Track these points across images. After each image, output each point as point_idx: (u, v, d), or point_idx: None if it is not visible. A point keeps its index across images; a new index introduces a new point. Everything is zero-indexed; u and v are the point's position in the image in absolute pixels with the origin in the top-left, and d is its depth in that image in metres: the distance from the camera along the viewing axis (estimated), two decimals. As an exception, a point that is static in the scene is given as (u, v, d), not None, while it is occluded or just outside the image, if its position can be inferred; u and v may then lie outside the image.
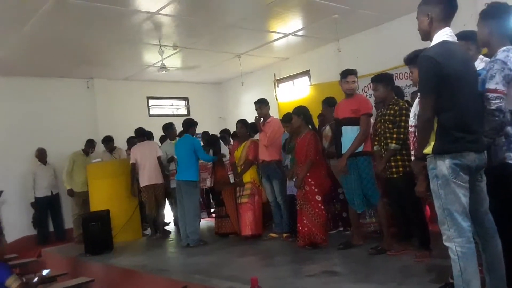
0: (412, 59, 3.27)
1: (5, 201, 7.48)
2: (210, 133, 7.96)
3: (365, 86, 7.15)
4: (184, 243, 5.91)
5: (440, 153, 2.41)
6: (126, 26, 6.30)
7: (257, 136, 6.29)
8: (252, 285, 2.96)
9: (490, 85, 2.52)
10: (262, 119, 5.87)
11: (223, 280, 3.97)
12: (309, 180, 4.80)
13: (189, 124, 6.22)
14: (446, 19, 2.52)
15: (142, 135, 7.19)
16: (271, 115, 5.99)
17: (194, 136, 6.25)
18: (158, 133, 7.74)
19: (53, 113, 8.44)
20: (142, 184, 6.90)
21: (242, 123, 6.12)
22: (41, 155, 7.88)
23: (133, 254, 5.93)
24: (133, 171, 6.93)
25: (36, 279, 4.13)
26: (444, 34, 2.49)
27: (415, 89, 3.54)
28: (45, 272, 4.25)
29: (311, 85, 8.47)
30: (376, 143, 4.24)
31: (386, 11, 6.71)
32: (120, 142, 8.29)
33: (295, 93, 8.41)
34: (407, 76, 6.30)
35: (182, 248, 5.86)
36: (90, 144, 7.85)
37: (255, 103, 5.93)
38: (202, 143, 7.22)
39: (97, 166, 7.28)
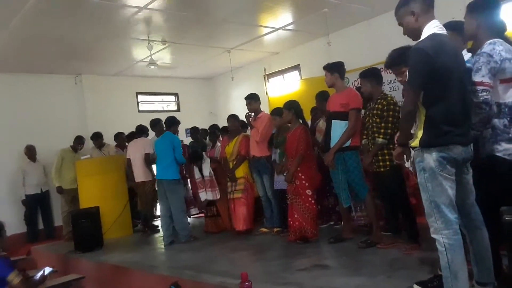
0: (393, 61, 3.25)
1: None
2: (199, 128, 7.93)
3: (355, 80, 7.15)
4: (166, 241, 5.85)
5: (427, 146, 2.43)
6: (114, 21, 6.23)
7: (248, 132, 6.29)
8: (243, 280, 2.97)
9: (477, 78, 2.53)
10: (253, 114, 5.86)
11: (213, 275, 3.97)
12: (300, 174, 4.81)
13: (171, 122, 6.15)
14: (429, 10, 2.52)
15: (141, 132, 7.19)
16: (262, 110, 5.97)
17: (176, 135, 6.18)
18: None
19: (42, 110, 8.35)
20: (135, 181, 6.96)
21: (233, 117, 6.10)
22: (30, 152, 7.79)
23: (124, 250, 5.90)
24: (128, 167, 7.00)
25: (38, 276, 4.12)
26: (434, 27, 2.49)
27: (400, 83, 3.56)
28: (47, 270, 4.24)
29: (302, 80, 8.46)
30: (364, 137, 4.25)
31: (376, 5, 6.70)
32: (109, 139, 8.23)
33: (285, 88, 8.39)
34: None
35: (173, 244, 5.84)
36: (79, 141, 7.78)
37: (245, 98, 5.91)
38: (191, 139, 7.23)
39: (86, 163, 7.22)
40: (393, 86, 6.64)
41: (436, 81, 2.40)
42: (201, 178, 6.34)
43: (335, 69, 4.50)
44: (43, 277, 4.20)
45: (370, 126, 4.12)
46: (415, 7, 2.51)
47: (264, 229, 5.80)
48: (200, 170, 6.36)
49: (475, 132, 2.56)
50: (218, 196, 6.22)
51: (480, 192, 2.55)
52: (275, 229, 5.58)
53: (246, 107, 5.92)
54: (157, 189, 6.28)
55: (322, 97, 5.37)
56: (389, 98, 4.08)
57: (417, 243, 3.86)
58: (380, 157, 4.01)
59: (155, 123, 6.45)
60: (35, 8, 5.38)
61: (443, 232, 2.39)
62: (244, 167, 5.86)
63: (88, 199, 6.83)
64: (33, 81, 8.38)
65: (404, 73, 3.11)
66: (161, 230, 6.61)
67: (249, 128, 5.99)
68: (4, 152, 7.77)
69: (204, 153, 6.58)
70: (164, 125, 6.26)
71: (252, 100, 5.85)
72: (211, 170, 6.28)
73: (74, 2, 5.36)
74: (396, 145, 2.90)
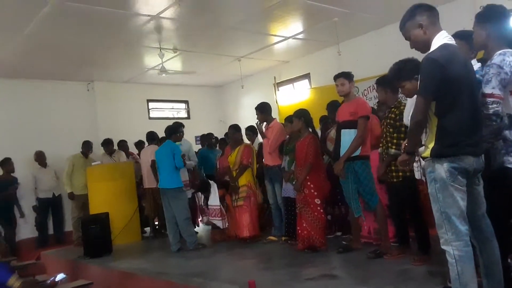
0: (393, 77, 3.26)
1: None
2: (209, 135, 7.96)
3: (365, 90, 7.15)
4: (174, 249, 5.87)
5: (439, 156, 2.41)
6: (126, 29, 6.32)
7: (257, 140, 6.32)
8: (250, 288, 2.96)
9: (487, 90, 2.51)
10: (264, 123, 5.91)
11: (221, 283, 3.97)
12: (309, 183, 4.80)
13: (171, 131, 6.15)
14: (436, 21, 2.53)
15: (151, 139, 7.34)
16: (274, 118, 5.99)
17: (178, 143, 6.20)
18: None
19: (54, 116, 8.47)
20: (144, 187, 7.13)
21: (234, 128, 6.15)
22: (40, 158, 7.89)
23: (132, 257, 5.92)
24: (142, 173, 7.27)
25: (49, 282, 4.15)
26: (444, 37, 2.49)
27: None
28: (59, 277, 4.26)
29: (311, 88, 8.48)
30: (381, 145, 4.23)
31: (385, 14, 6.71)
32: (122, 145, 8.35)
33: (295, 96, 8.42)
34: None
35: (181, 251, 5.85)
36: (87, 146, 7.86)
37: (255, 108, 5.95)
38: (201, 146, 7.26)
39: (96, 169, 7.28)
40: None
41: (448, 91, 2.39)
42: (204, 206, 6.39)
43: (352, 77, 4.52)
44: (53, 283, 4.22)
45: (384, 136, 4.10)
46: (423, 20, 2.51)
47: (272, 237, 5.79)
48: (207, 200, 6.37)
49: (486, 144, 2.53)
50: (227, 225, 6.22)
51: (491, 203, 2.52)
52: (283, 238, 5.56)
53: (256, 115, 5.97)
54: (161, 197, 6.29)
55: (332, 106, 5.36)
56: (402, 108, 4.03)
57: (427, 254, 3.82)
58: (393, 168, 3.97)
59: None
60: (49, 16, 5.49)
61: (454, 244, 2.37)
62: (247, 175, 5.87)
63: (98, 205, 6.88)
64: (46, 87, 8.51)
65: (404, 87, 3.12)
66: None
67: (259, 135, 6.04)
68: (16, 157, 7.82)
69: (210, 182, 6.55)
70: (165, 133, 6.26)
71: (258, 110, 5.90)
72: (218, 200, 6.25)
73: (87, 11, 5.45)
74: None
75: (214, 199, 6.29)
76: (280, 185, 5.61)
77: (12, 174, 7.50)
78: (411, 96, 3.15)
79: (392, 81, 3.31)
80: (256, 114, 5.92)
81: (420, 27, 2.52)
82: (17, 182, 7.51)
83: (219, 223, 6.21)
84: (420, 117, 2.44)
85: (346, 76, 4.49)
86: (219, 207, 6.19)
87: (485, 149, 2.53)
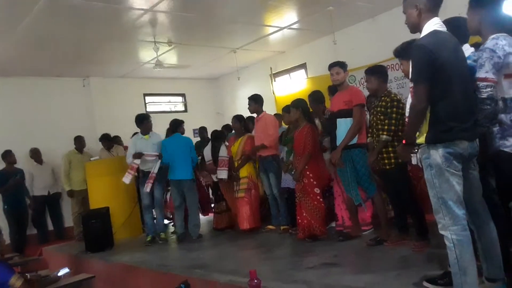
0: (401, 51, 3.31)
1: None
2: (207, 129, 7.96)
3: (362, 78, 7.14)
4: (179, 231, 6.13)
5: (433, 142, 2.43)
6: (120, 24, 6.28)
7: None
8: (251, 278, 2.98)
9: (480, 74, 2.52)
10: (255, 114, 5.94)
11: (223, 274, 4.00)
12: (308, 173, 4.82)
13: (177, 124, 6.43)
14: (433, 9, 2.52)
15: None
16: (263, 110, 5.98)
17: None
18: (156, 129, 7.64)
19: (50, 113, 8.46)
20: None
21: (236, 118, 6.17)
22: (35, 155, 7.87)
23: (134, 250, 5.95)
24: None
25: (53, 275, 4.19)
26: (434, 24, 2.49)
27: (407, 80, 3.59)
28: (63, 271, 4.31)
29: (308, 78, 8.46)
30: (369, 135, 4.25)
31: (381, 2, 6.69)
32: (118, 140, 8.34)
33: (291, 87, 8.40)
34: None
35: (182, 243, 5.90)
36: (80, 140, 7.86)
37: (249, 98, 5.96)
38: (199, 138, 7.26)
39: (95, 164, 7.28)
40: (400, 83, 6.62)
41: (439, 77, 2.40)
42: (211, 161, 6.46)
43: (346, 67, 4.56)
44: (55, 278, 4.26)
45: (374, 124, 4.11)
46: (420, 2, 2.51)
47: (270, 227, 5.87)
48: (217, 152, 6.39)
49: (482, 128, 2.55)
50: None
51: (487, 187, 2.54)
52: (282, 227, 5.61)
53: (248, 105, 5.97)
54: (169, 188, 6.49)
55: (313, 97, 5.31)
56: (392, 95, 4.07)
57: (426, 240, 3.85)
58: (385, 155, 3.99)
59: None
60: (42, 12, 5.45)
61: (451, 228, 2.39)
62: (248, 167, 5.94)
63: (98, 200, 6.90)
64: (41, 84, 8.48)
65: (402, 65, 3.19)
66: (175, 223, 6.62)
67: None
68: (13, 154, 7.84)
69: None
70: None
71: (253, 100, 5.89)
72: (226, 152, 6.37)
73: (81, 6, 5.41)
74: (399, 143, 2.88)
75: (224, 151, 6.36)
76: (275, 175, 5.63)
77: (15, 165, 7.47)
78: (407, 76, 3.17)
79: (396, 56, 3.37)
80: (249, 104, 5.91)
81: (415, 8, 2.53)
82: (22, 173, 7.49)
83: (224, 173, 6.16)
84: (423, 104, 2.42)
85: (341, 65, 4.51)
86: (227, 158, 6.21)
87: (481, 133, 2.54)
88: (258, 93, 6.08)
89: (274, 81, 8.81)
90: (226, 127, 7.44)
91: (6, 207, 7.25)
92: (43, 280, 4.34)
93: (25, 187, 7.56)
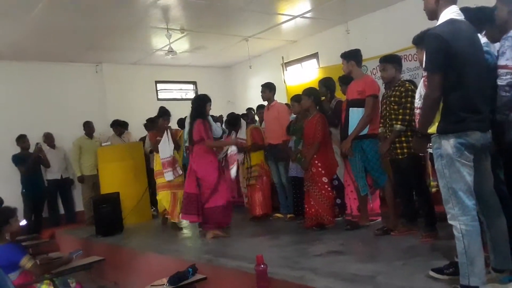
0: (419, 40, 3.26)
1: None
2: (222, 117, 7.97)
3: (374, 68, 7.08)
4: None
5: (445, 132, 2.41)
6: (133, 10, 6.29)
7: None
8: (258, 263, 3.02)
9: (501, 61, 2.51)
10: (266, 103, 5.98)
11: (230, 259, 4.04)
12: (316, 162, 4.83)
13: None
14: None
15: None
16: (275, 99, 6.00)
17: None
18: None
19: (63, 98, 8.51)
20: None
21: (248, 109, 6.27)
22: (48, 139, 7.95)
23: (143, 235, 6.05)
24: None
25: (64, 257, 4.30)
26: (452, 12, 2.46)
27: (419, 71, 3.54)
28: (76, 252, 4.40)
29: (320, 68, 8.41)
30: (381, 124, 4.22)
31: (395, -8, 6.61)
32: (129, 126, 8.41)
33: (303, 76, 8.36)
34: (415, 58, 6.23)
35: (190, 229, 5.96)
36: (89, 126, 7.93)
37: (263, 85, 5.96)
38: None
39: (107, 150, 7.37)
40: (413, 74, 6.55)
41: (453, 67, 2.38)
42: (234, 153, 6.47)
43: (351, 56, 4.50)
44: (68, 259, 4.35)
45: (387, 114, 4.08)
46: None
47: (278, 215, 5.95)
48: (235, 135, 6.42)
49: (501, 116, 2.53)
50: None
51: (496, 179, 2.53)
52: (288, 215, 5.66)
53: (262, 92, 5.99)
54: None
55: (324, 83, 5.39)
56: (407, 85, 4.03)
57: (435, 230, 3.84)
58: (397, 145, 3.97)
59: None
60: (56, -2, 5.47)
61: (460, 219, 2.39)
62: (259, 154, 6.02)
63: (108, 185, 6.99)
64: (54, 69, 8.53)
65: (418, 53, 3.10)
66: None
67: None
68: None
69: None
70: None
71: (267, 88, 5.90)
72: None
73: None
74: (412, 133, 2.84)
75: (243, 134, 6.42)
76: (283, 163, 5.70)
77: (28, 150, 7.56)
78: (421, 64, 3.13)
79: (419, 43, 3.28)
80: (263, 91, 5.92)
81: None
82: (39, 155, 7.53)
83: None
84: (437, 93, 2.40)
85: (343, 56, 4.54)
86: (244, 140, 6.27)
87: (499, 121, 2.51)
88: (271, 82, 6.07)
89: (286, 70, 8.77)
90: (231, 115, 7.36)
91: (24, 190, 7.37)
92: (54, 261, 4.43)
93: (40, 167, 7.65)
